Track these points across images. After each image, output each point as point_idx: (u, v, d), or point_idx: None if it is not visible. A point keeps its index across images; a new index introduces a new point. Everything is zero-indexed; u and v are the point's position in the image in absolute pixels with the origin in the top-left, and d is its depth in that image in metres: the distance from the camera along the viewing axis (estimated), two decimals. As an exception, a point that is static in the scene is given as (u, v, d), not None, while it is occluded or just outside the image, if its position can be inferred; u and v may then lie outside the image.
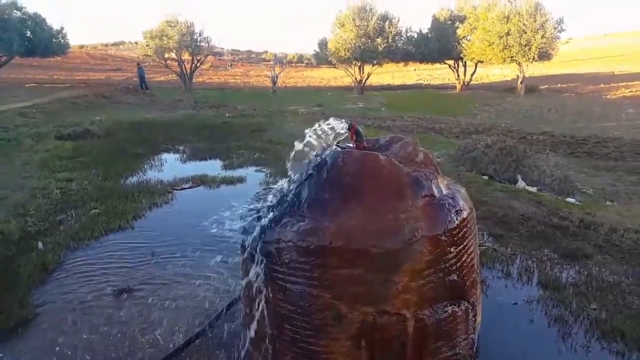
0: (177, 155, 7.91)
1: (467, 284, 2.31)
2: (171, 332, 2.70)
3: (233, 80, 41.93)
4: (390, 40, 30.25)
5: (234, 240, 2.50)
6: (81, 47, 61.10)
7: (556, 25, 26.07)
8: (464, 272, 2.27)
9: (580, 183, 7.00)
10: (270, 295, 2.19)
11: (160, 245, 3.97)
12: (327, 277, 2.04)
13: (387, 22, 30.78)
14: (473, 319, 2.41)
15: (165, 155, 7.85)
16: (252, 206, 2.58)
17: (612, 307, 2.88)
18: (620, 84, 30.17)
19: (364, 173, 2.21)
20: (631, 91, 27.18)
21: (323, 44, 34.26)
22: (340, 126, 2.50)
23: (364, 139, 2.55)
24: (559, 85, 32.32)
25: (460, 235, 2.21)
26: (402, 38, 32.42)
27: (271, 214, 2.33)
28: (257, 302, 2.27)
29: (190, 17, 36.42)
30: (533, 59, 25.98)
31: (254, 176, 6.33)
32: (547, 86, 31.78)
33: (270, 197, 2.61)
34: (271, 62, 54.97)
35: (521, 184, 5.97)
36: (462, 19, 30.80)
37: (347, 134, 2.48)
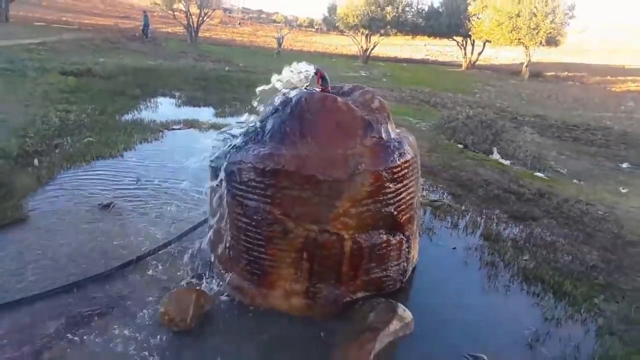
0: (172, 100, 8.16)
1: (404, 218, 2.65)
2: (144, 239, 3.05)
3: (240, 39, 41.44)
4: (399, 11, 29.94)
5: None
6: (93, -9, 59.85)
7: (567, 12, 25.85)
8: (401, 207, 2.61)
9: (557, 163, 7.30)
10: (230, 209, 2.53)
11: (145, 172, 4.29)
12: (278, 196, 2.37)
13: (398, -8, 30.43)
14: (407, 249, 2.76)
15: (161, 99, 8.10)
16: (225, 136, 2.89)
17: (542, 260, 3.23)
18: (628, 77, 30.08)
19: (322, 112, 2.52)
20: (637, 85, 27.17)
21: (332, 9, 33.87)
22: (310, 69, 2.81)
23: (329, 84, 2.84)
24: (566, 73, 32.20)
25: (400, 174, 2.54)
26: (412, 10, 32.07)
27: (237, 141, 2.64)
28: (219, 215, 2.62)
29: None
30: (540, 43, 25.89)
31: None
32: (553, 73, 31.67)
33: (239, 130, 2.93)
34: (281, 24, 54.23)
35: (496, 155, 6.26)
36: (475, -5, 30.46)
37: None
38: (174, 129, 6.03)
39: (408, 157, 2.59)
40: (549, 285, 2.90)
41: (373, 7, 29.29)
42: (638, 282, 2.99)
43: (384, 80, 21.34)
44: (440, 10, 32.11)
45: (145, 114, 6.75)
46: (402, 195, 2.58)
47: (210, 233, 2.77)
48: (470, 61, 31.91)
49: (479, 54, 32.30)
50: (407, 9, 31.06)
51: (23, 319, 2.22)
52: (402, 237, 2.68)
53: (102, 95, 7.66)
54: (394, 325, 2.33)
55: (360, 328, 2.36)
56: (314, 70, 2.78)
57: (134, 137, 5.40)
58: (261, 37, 44.62)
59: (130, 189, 3.90)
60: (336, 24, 32.00)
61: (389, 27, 30.21)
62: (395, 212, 2.56)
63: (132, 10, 50.10)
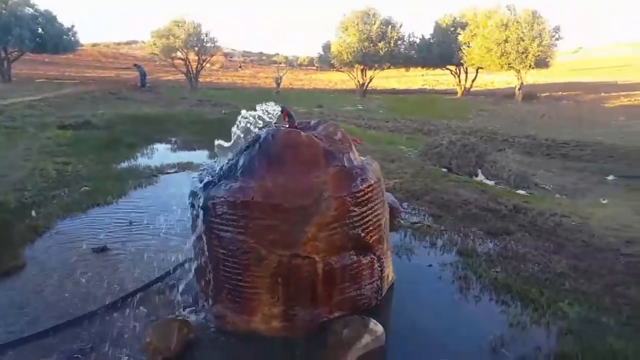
0: (168, 146, 8.49)
1: (372, 239, 2.84)
2: (137, 279, 3.24)
3: (241, 81, 42.50)
4: (392, 45, 30.84)
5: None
6: (94, 45, 61.72)
7: (553, 34, 26.53)
8: (369, 229, 2.81)
9: (543, 180, 7.49)
10: (209, 242, 2.73)
11: (138, 216, 4.51)
12: (250, 226, 2.58)
13: (390, 27, 31.38)
14: (379, 269, 2.94)
15: (157, 145, 8.42)
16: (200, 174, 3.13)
17: (512, 270, 3.38)
18: (621, 93, 30.52)
19: (287, 146, 2.76)
20: (630, 100, 27.54)
21: (327, 47, 34.88)
22: (276, 109, 3.08)
23: (295, 121, 3.10)
24: (560, 93, 32.70)
25: (364, 198, 2.75)
26: (404, 43, 33.01)
27: (211, 178, 2.88)
28: (199, 249, 2.82)
29: (197, 19, 36.92)
30: (530, 66, 26.45)
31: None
32: (548, 93, 32.17)
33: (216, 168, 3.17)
34: (282, 64, 55.54)
35: (481, 177, 6.46)
36: (463, 26, 31.34)
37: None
38: (168, 173, 6.30)
39: (371, 182, 2.80)
40: (517, 293, 3.05)
41: (366, 44, 30.16)
42: (600, 285, 3.13)
43: (380, 112, 21.82)
44: (431, 41, 32.97)
45: (141, 161, 7.04)
46: (368, 218, 2.78)
47: (194, 267, 2.96)
48: (464, 88, 32.52)
49: (473, 80, 32.93)
50: (399, 42, 31.94)
51: None
52: (373, 256, 2.86)
53: (99, 146, 7.99)
54: (366, 339, 2.49)
55: (334, 344, 2.51)
56: (280, 109, 3.03)
57: (129, 183, 5.65)
58: (262, 79, 45.72)
59: (122, 233, 4.11)
60: (331, 62, 32.88)
61: (383, 61, 31.03)
62: (363, 234, 2.76)
63: (134, 62, 51.55)
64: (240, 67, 56.02)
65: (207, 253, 2.77)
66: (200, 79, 33.11)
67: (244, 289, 2.67)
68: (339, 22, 32.53)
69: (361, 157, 3.08)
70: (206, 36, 32.79)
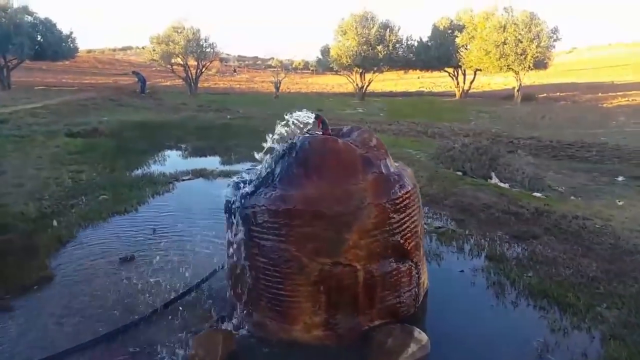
0: (178, 152, 8.48)
1: (410, 246, 2.83)
2: (167, 287, 3.21)
3: (238, 86, 42.50)
4: (390, 48, 30.90)
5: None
6: (89, 51, 61.48)
7: (551, 35, 26.64)
8: (407, 235, 2.80)
9: (555, 182, 7.49)
10: (248, 251, 2.71)
11: (161, 224, 4.49)
12: (292, 234, 2.56)
13: (388, 31, 31.43)
14: (416, 276, 2.92)
15: (167, 152, 8.41)
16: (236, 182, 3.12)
17: (544, 275, 3.37)
18: (619, 93, 30.58)
19: (325, 153, 2.75)
20: (627, 100, 27.61)
21: (325, 51, 34.93)
22: (310, 117, 3.06)
23: (329, 127, 3.09)
24: (557, 93, 32.80)
25: (403, 204, 2.74)
26: (403, 46, 33.07)
27: (249, 186, 2.86)
28: (237, 258, 2.80)
29: (196, 24, 37.00)
30: (529, 67, 26.53)
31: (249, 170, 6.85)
32: (545, 94, 32.26)
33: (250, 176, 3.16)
34: (276, 69, 55.69)
35: (494, 180, 6.47)
36: (461, 28, 31.38)
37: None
38: (183, 180, 6.28)
39: (408, 188, 2.80)
40: (553, 298, 3.04)
41: (364, 47, 30.21)
42: (635, 289, 3.12)
43: (381, 115, 21.82)
44: (429, 44, 33.06)
45: (155, 168, 7.03)
46: (406, 224, 2.77)
47: (230, 275, 2.95)
48: (463, 90, 32.60)
49: (471, 82, 33.02)
50: (397, 45, 32.02)
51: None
52: (411, 263, 2.85)
53: (110, 153, 7.97)
54: (412, 348, 2.48)
55: (379, 354, 2.50)
56: (314, 117, 3.02)
57: (146, 191, 5.63)
58: (258, 83, 45.72)
59: (147, 241, 4.09)
60: (330, 65, 32.92)
61: (381, 64, 31.10)
62: (402, 241, 2.75)
63: (130, 67, 51.47)
64: (235, 71, 55.90)
65: (246, 262, 2.76)
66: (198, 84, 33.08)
67: (284, 297, 2.65)
68: (337, 25, 32.57)
69: (395, 163, 3.07)
70: (205, 41, 32.83)
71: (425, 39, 33.74)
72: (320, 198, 2.57)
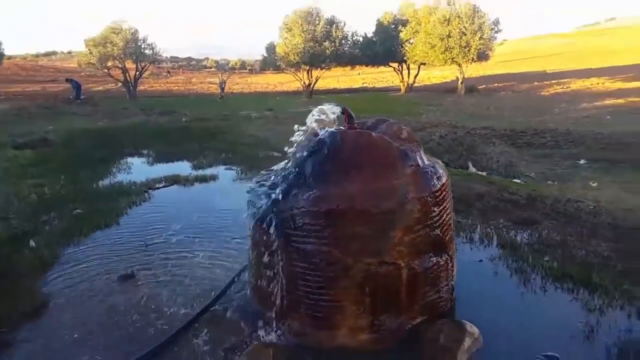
0: (142, 159, 8.03)
1: (447, 238, 2.76)
2: (185, 304, 2.97)
3: (176, 88, 41.40)
4: (337, 44, 31.06)
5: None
6: (9, 58, 57.72)
7: (492, 27, 27.72)
8: (445, 228, 2.72)
9: (523, 168, 7.74)
10: (285, 256, 2.54)
11: (150, 237, 4.17)
12: (336, 235, 2.42)
13: (334, 27, 31.59)
14: (452, 268, 2.86)
15: (130, 159, 7.95)
16: (258, 185, 2.93)
17: (562, 259, 3.42)
18: (552, 81, 32.33)
19: (361, 148, 2.62)
20: (563, 88, 29.26)
21: (271, 49, 34.61)
22: (334, 110, 2.92)
23: (355, 121, 2.96)
24: (496, 84, 34.24)
25: (441, 196, 2.66)
26: (349, 42, 33.34)
27: (279, 188, 2.68)
28: (270, 264, 2.62)
29: (134, 24, 35.61)
30: (472, 59, 27.47)
31: (226, 174, 6.61)
32: (484, 86, 33.56)
33: (272, 178, 2.98)
34: (213, 69, 54.54)
35: (472, 169, 6.58)
36: (404, 23, 32.00)
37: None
38: (158, 188, 5.93)
39: (444, 180, 2.72)
40: (578, 280, 3.07)
41: (311, 44, 30.15)
42: (651, 265, 3.23)
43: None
44: (374, 39, 33.48)
45: (122, 177, 6.60)
46: (444, 217, 2.70)
47: (258, 285, 2.76)
48: (408, 84, 33.27)
49: (415, 76, 33.78)
50: (343, 41, 32.21)
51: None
52: (447, 256, 2.78)
53: (67, 164, 7.43)
54: (467, 342, 2.40)
55: (433, 352, 2.42)
56: (340, 110, 2.89)
57: (120, 201, 5.27)
58: (197, 84, 44.68)
59: (141, 256, 3.78)
60: (277, 63, 32.63)
61: (328, 60, 31.18)
62: (441, 234, 2.68)
63: (56, 74, 48.84)
64: (168, 73, 54.23)
65: (280, 269, 2.59)
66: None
67: (327, 302, 2.50)
68: (282, 22, 32.33)
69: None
70: (144, 42, 31.66)
71: (370, 35, 34.14)
72: (363, 195, 2.44)
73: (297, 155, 2.79)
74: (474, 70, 35.01)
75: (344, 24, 32.70)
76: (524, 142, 11.14)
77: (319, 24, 30.89)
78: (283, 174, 2.79)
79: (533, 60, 48.72)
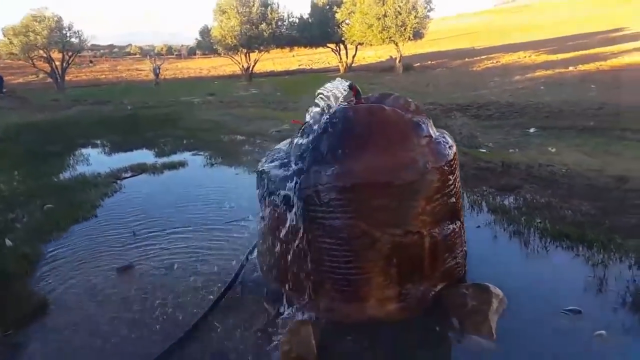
0: (98, 149, 7.64)
1: (459, 205, 2.84)
2: (196, 291, 2.89)
3: (103, 76, 39.33)
4: (274, 26, 30.58)
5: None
6: None
7: (425, 5, 28.30)
8: (458, 195, 2.79)
9: (481, 139, 8.04)
10: (310, 233, 2.52)
11: (136, 227, 4.01)
12: (362, 209, 2.43)
13: (269, 9, 31.04)
14: (464, 234, 2.95)
15: (85, 150, 7.54)
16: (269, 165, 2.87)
17: (552, 219, 3.59)
18: (482, 57, 33.56)
19: (375, 122, 2.62)
20: (493, 62, 30.48)
21: (205, 32, 33.56)
22: (342, 86, 2.90)
23: (362, 97, 2.96)
24: (429, 62, 35.13)
25: (454, 165, 2.73)
26: (285, 24, 32.89)
27: (295, 166, 2.64)
28: (293, 242, 2.59)
29: (57, 11, 33.30)
30: (409, 38, 27.95)
31: (194, 159, 6.42)
32: (419, 64, 34.33)
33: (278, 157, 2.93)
34: (138, 55, 52.30)
35: (438, 142, 6.76)
36: (339, 4, 31.91)
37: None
38: (125, 178, 5.67)
39: (454, 149, 2.79)
40: (575, 238, 3.25)
41: (247, 26, 29.50)
42: (635, 219, 3.47)
43: (278, 94, 21.64)
44: (310, 20, 33.21)
45: (83, 169, 6.27)
46: (456, 185, 2.77)
47: (276, 264, 2.73)
48: (346, 64, 33.41)
49: (353, 56, 33.94)
50: (279, 23, 31.73)
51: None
52: (460, 223, 2.86)
53: (18, 159, 6.94)
54: (494, 303, 2.50)
55: (464, 314, 2.49)
56: (348, 86, 2.87)
57: (90, 193, 5.01)
58: (124, 72, 42.71)
59: (133, 247, 3.62)
60: (214, 47, 31.68)
61: (266, 42, 30.66)
62: (455, 201, 2.74)
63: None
64: (91, 61, 51.26)
65: (304, 246, 2.56)
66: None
67: (354, 276, 2.52)
68: (215, 5, 31.34)
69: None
70: (69, 30, 29.75)
71: (305, 16, 33.83)
72: (385, 168, 2.45)
73: (311, 131, 2.75)
74: (407, 48, 35.73)
75: (278, 6, 32.19)
76: (471, 114, 11.57)
77: (253, 5, 30.21)
78: (297, 152, 2.74)
79: (459, 38, 50.24)
